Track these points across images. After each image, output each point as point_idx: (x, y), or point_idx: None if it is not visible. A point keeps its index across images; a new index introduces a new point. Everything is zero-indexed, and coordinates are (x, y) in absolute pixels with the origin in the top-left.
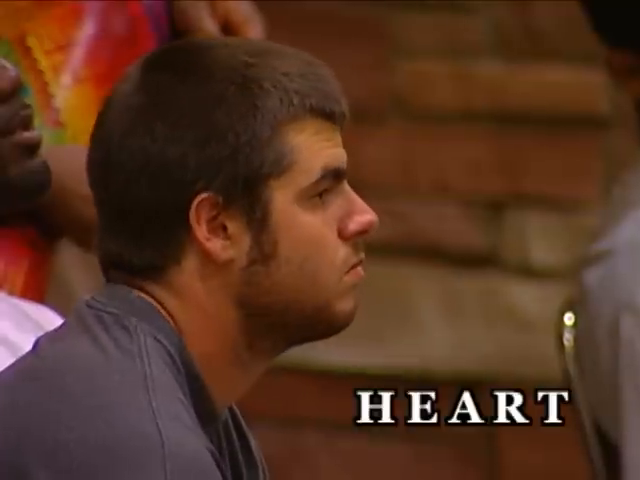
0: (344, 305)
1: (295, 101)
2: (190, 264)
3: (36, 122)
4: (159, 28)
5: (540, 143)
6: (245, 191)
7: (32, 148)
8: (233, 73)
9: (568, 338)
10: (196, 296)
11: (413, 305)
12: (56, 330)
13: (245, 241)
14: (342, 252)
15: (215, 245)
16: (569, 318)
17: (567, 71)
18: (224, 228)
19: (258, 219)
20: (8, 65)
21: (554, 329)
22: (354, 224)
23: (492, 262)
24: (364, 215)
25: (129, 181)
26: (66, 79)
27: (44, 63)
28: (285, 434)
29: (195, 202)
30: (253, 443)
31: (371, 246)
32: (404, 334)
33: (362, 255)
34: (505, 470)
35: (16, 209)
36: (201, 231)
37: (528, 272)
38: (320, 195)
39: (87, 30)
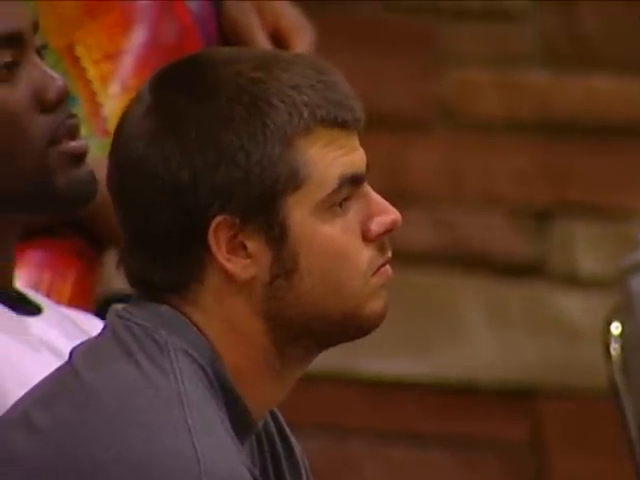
0: (373, 307)
1: (305, 114)
2: (212, 282)
3: (84, 131)
4: (208, 37)
5: (587, 152)
6: (261, 209)
7: (78, 157)
8: (240, 92)
9: (615, 347)
10: (221, 312)
11: (459, 314)
12: (92, 341)
13: (266, 258)
14: (366, 255)
15: (236, 265)
16: (616, 327)
17: (614, 79)
18: (244, 247)
19: (277, 236)
20: (55, 75)
21: (600, 338)
22: (377, 225)
23: (538, 271)
24: (386, 215)
25: (145, 205)
26: (114, 88)
27: (92, 72)
28: (331, 443)
29: (212, 225)
30: (296, 446)
31: (417, 255)
32: (450, 343)
33: (389, 254)
34: (552, 479)
35: (62, 218)
36: (221, 253)
37: (574, 281)
38: (340, 203)
39: (136, 39)
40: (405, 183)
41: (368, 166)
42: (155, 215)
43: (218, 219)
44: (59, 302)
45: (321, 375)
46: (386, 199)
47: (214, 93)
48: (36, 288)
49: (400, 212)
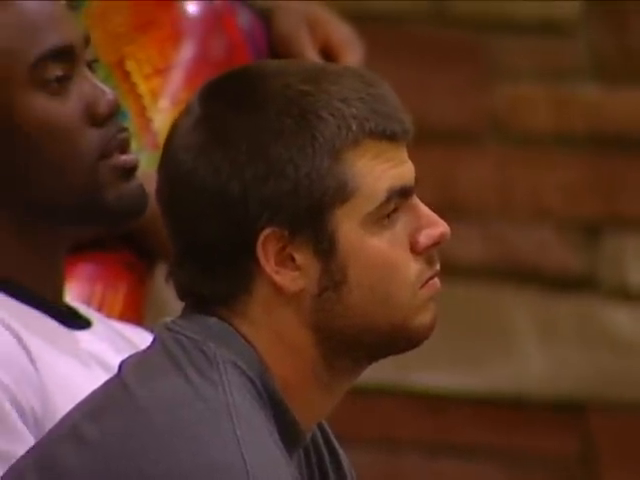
0: (422, 319)
1: (354, 127)
2: (261, 294)
3: (135, 145)
4: (258, 52)
5: (638, 165)
6: (310, 222)
7: (129, 171)
8: (289, 104)
9: None
10: (270, 324)
11: (510, 328)
12: (141, 354)
13: (314, 270)
14: (415, 268)
15: (284, 277)
16: None
17: None
18: (292, 259)
19: (325, 248)
20: (106, 88)
21: None
22: (425, 238)
23: (588, 285)
24: (435, 228)
25: (194, 218)
26: (164, 102)
27: (143, 87)
28: (380, 456)
29: (261, 237)
30: (343, 458)
31: (467, 268)
32: (500, 357)
33: (437, 267)
34: None
35: (112, 232)
36: (269, 265)
37: (625, 295)
38: (388, 215)
39: (186, 54)
40: (455, 197)
41: (417, 178)
42: (204, 227)
43: (267, 231)
44: (111, 314)
45: (371, 388)
46: (436, 212)
47: (263, 105)
48: (88, 301)
49: (450, 225)
